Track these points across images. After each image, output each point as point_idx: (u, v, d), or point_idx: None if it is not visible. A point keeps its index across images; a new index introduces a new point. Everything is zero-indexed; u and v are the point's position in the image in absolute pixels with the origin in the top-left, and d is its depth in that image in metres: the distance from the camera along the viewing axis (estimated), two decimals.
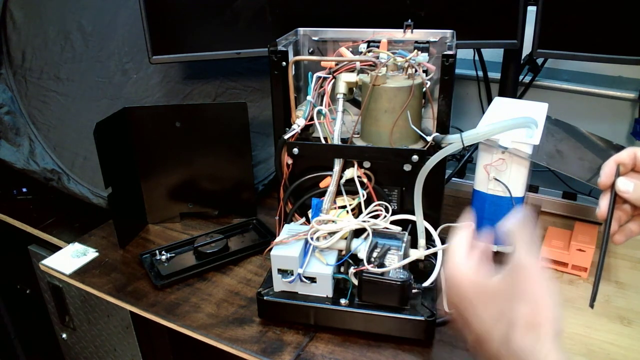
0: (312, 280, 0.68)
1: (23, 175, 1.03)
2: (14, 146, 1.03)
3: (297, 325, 0.71)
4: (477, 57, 1.14)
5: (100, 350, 1.05)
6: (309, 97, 0.73)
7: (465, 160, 1.07)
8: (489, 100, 1.16)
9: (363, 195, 0.72)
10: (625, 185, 0.54)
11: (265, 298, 0.70)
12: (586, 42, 0.90)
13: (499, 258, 0.49)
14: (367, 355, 0.67)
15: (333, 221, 0.70)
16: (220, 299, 0.78)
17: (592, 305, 0.52)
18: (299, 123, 0.73)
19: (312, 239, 0.68)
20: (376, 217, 0.71)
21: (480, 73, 1.17)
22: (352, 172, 0.72)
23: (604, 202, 0.55)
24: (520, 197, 0.79)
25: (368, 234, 0.69)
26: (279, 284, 0.70)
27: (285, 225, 0.74)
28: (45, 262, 0.87)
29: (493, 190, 0.80)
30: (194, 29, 0.95)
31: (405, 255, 0.67)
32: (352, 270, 0.67)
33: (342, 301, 0.68)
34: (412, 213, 0.70)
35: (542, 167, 0.81)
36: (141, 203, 0.95)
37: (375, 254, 0.66)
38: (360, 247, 0.67)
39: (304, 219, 0.76)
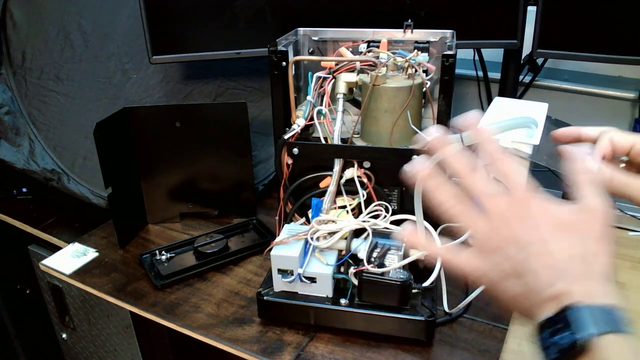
0: (312, 280, 0.68)
1: (23, 175, 1.03)
2: (14, 146, 1.03)
3: (297, 325, 0.71)
4: (477, 57, 1.14)
5: (100, 350, 1.05)
6: (309, 97, 0.73)
7: None
8: (489, 100, 1.16)
9: (363, 195, 0.72)
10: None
11: (265, 298, 0.70)
12: (586, 42, 0.90)
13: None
14: (367, 356, 0.67)
15: (333, 221, 0.70)
16: (220, 299, 0.78)
17: None
18: (299, 123, 0.73)
19: (312, 239, 0.68)
20: (376, 217, 0.71)
21: (480, 73, 1.17)
22: (352, 172, 0.72)
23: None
24: None
25: (368, 234, 0.69)
26: (279, 284, 0.70)
27: (285, 225, 0.74)
28: (45, 262, 0.87)
29: None
30: (194, 29, 0.95)
31: (405, 255, 0.67)
32: (352, 270, 0.67)
33: (342, 301, 0.68)
34: (412, 213, 0.70)
35: (542, 167, 0.81)
36: (141, 203, 0.95)
37: (375, 254, 0.66)
38: (360, 247, 0.67)
39: (304, 219, 0.76)
